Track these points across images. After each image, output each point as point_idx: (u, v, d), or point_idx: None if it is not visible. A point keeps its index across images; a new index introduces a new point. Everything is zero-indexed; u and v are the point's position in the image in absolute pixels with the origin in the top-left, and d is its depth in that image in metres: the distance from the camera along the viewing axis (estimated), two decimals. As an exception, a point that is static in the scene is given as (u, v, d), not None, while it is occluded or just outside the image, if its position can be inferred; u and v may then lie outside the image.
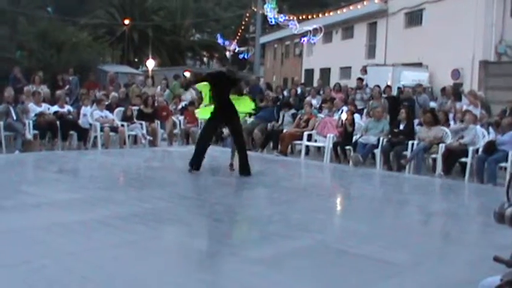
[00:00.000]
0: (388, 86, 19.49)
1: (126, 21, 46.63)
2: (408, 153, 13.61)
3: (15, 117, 14.90)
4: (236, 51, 45.32)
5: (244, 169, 11.55)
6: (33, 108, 15.87)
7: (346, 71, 35.02)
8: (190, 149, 16.17)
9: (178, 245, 6.38)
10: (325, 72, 37.71)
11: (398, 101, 17.96)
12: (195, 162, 11.70)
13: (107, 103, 17.50)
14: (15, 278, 5.10)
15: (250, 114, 15.37)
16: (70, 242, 6.31)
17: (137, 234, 6.72)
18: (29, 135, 15.22)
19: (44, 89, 19.40)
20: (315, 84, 28.15)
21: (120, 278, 5.18)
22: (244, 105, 12.30)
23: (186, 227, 7.17)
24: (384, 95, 18.30)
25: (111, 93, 19.56)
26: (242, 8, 49.26)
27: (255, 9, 39.44)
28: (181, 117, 18.11)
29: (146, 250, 6.06)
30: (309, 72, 40.38)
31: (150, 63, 43.34)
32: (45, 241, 6.35)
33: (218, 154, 14.36)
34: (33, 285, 4.97)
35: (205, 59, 60.56)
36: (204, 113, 12.53)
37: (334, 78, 33.98)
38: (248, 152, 11.86)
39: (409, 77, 24.76)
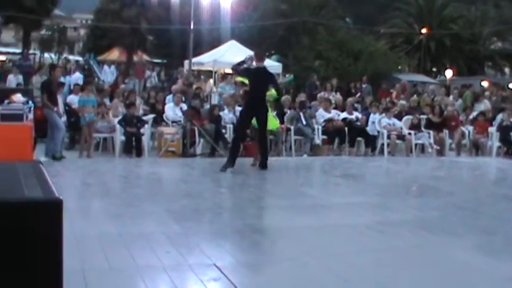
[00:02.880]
0: None
1: (423, 30, 46.28)
2: None
3: (304, 123, 15.55)
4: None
5: (264, 164, 11.78)
6: (322, 114, 16.41)
7: None
8: (478, 160, 15.80)
9: (442, 256, 6.19)
10: None
11: None
12: (230, 161, 11.59)
13: (395, 111, 17.55)
14: (279, 273, 5.38)
15: None
16: (335, 244, 6.49)
17: (403, 241, 6.70)
18: (317, 140, 15.80)
19: (336, 96, 20.00)
20: None
21: (375, 282, 5.22)
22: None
23: (455, 239, 6.95)
24: None
25: (400, 101, 19.60)
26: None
27: None
28: (470, 128, 17.57)
29: (407, 258, 6.01)
30: None
31: (449, 73, 42.61)
32: (313, 241, 6.57)
33: (506, 167, 13.77)
34: (293, 281, 5.19)
35: (506, 70, 57.95)
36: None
37: None
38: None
39: None
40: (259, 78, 11.87)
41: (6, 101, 10.81)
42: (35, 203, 2.43)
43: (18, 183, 2.68)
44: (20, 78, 21.45)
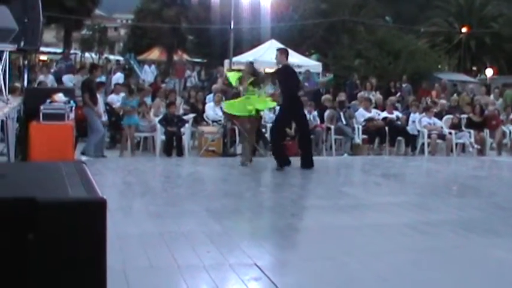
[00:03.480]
0: None
1: (463, 29, 45.80)
2: None
3: (344, 122, 15.52)
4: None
5: (307, 162, 11.54)
6: (363, 114, 16.34)
7: None
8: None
9: (483, 256, 6.16)
10: None
11: None
12: (282, 162, 11.46)
13: (436, 110, 17.40)
14: (320, 272, 5.38)
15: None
16: (375, 243, 6.46)
17: (443, 241, 6.66)
18: (357, 139, 15.75)
19: (376, 96, 19.90)
20: None
21: (414, 281, 5.21)
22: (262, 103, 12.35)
23: (496, 238, 6.89)
24: None
25: (440, 100, 19.45)
26: None
27: None
28: (511, 127, 17.35)
29: (447, 257, 5.96)
30: None
31: (489, 72, 42.13)
32: (352, 240, 6.57)
33: None
34: (333, 280, 5.19)
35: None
36: (229, 107, 12.74)
37: None
38: None
39: None
40: (284, 76, 11.78)
41: (48, 101, 10.92)
42: (79, 202, 2.46)
43: (62, 183, 2.70)
44: (50, 78, 21.29)
